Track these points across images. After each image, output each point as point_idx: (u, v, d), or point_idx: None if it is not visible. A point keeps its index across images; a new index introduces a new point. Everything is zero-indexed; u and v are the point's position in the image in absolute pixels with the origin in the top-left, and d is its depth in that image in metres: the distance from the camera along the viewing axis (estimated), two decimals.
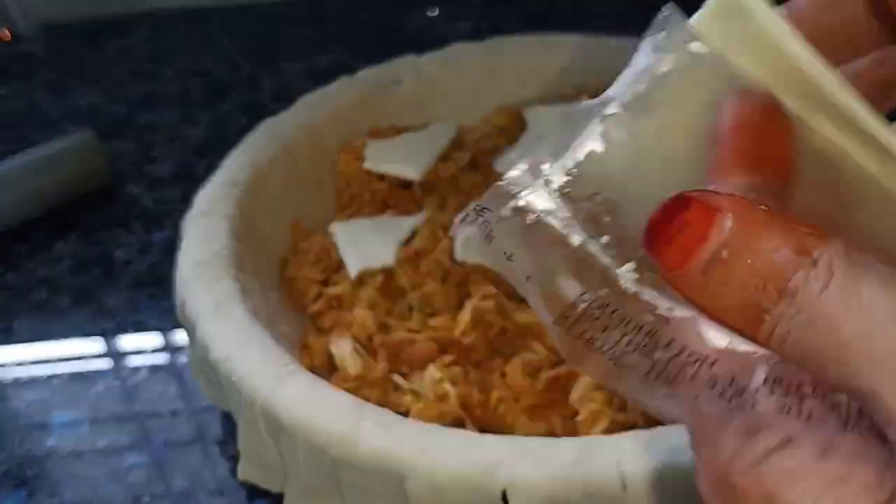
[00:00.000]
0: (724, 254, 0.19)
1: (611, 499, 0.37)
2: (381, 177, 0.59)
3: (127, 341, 0.56)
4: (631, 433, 0.40)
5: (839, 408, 0.20)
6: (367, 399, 0.45)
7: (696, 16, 0.22)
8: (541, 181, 0.22)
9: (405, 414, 0.43)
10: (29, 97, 0.80)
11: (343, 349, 0.48)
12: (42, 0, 0.88)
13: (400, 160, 0.58)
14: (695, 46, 0.22)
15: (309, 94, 0.62)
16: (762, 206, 0.19)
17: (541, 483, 0.37)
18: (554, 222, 0.22)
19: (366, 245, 0.53)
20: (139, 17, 0.91)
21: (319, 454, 0.40)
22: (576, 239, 0.22)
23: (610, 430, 0.42)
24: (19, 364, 0.55)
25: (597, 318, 0.21)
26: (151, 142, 0.74)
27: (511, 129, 0.62)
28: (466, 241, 0.28)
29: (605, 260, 0.22)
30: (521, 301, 0.50)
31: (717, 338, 0.21)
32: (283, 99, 0.77)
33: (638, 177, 0.23)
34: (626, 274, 0.21)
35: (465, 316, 0.47)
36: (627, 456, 0.38)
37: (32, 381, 0.54)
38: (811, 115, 0.22)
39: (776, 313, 0.19)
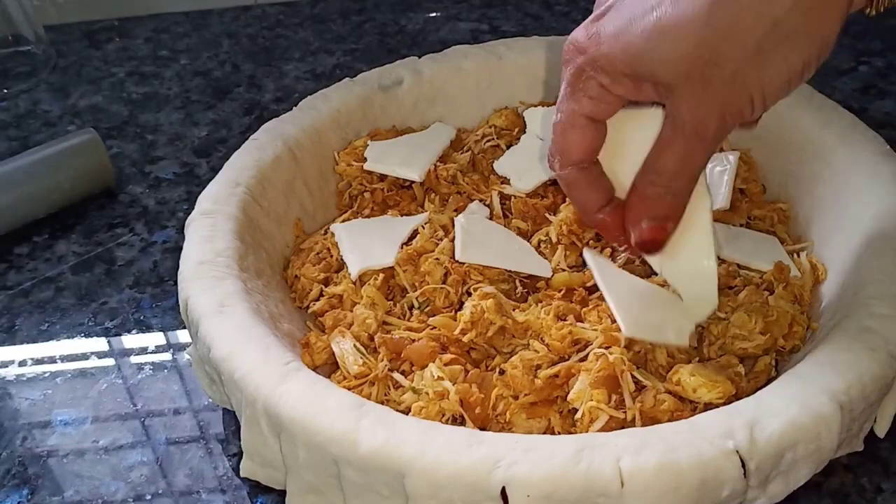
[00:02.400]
0: None
1: (609, 495, 0.37)
2: (382, 177, 0.59)
3: (129, 340, 0.56)
4: (629, 430, 0.40)
5: None
6: (368, 397, 0.45)
7: None
8: None
9: (405, 412, 0.44)
10: (30, 98, 0.80)
11: (344, 348, 0.48)
12: (43, 1, 0.89)
13: (400, 161, 0.59)
14: None
15: (310, 96, 0.62)
16: None
17: (540, 480, 0.37)
18: None
19: (367, 245, 0.53)
20: (140, 18, 0.91)
21: (320, 452, 0.40)
22: None
23: (608, 428, 0.42)
24: (21, 363, 0.55)
25: None
26: (153, 142, 0.74)
27: (510, 130, 0.62)
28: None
29: None
30: (521, 300, 0.51)
31: None
32: (285, 100, 0.78)
33: None
34: None
35: (465, 315, 0.47)
36: (625, 453, 0.38)
37: (35, 380, 0.54)
38: None
39: None
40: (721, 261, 0.52)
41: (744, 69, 0.37)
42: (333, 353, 0.49)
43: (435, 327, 0.48)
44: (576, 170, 0.43)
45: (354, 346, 0.48)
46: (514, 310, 0.49)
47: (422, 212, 0.57)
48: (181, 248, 0.50)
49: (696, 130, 0.39)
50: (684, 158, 0.40)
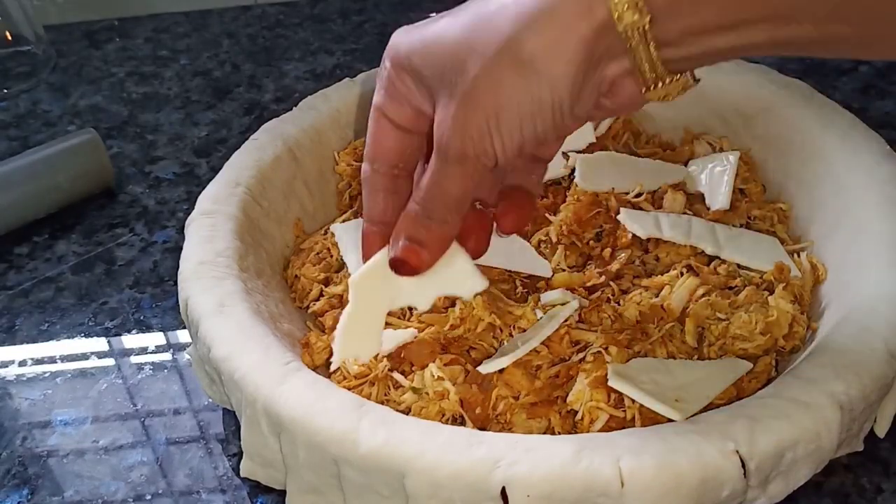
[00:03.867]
0: None
1: (609, 495, 0.37)
2: None
3: (129, 340, 0.56)
4: (629, 430, 0.40)
5: None
6: (368, 397, 0.45)
7: None
8: None
9: (405, 412, 0.44)
10: (30, 98, 0.80)
11: None
12: (43, 1, 0.89)
13: None
14: None
15: (310, 96, 0.62)
16: None
17: (540, 480, 0.37)
18: None
19: None
20: (140, 18, 0.91)
21: (320, 452, 0.40)
22: None
23: (608, 428, 0.42)
24: (21, 363, 0.55)
25: None
26: (153, 142, 0.74)
27: None
28: None
29: None
30: (521, 300, 0.51)
31: None
32: (284, 100, 0.78)
33: None
34: None
35: (455, 311, 0.47)
36: (625, 453, 0.38)
37: (35, 380, 0.54)
38: None
39: None
40: (721, 261, 0.52)
41: (479, 86, 0.36)
42: (333, 353, 0.48)
43: (432, 325, 0.48)
44: (370, 166, 0.43)
45: None
46: (511, 307, 0.49)
47: None
48: (181, 248, 0.50)
49: (441, 147, 0.38)
50: (434, 177, 0.39)
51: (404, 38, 0.39)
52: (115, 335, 0.57)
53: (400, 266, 0.43)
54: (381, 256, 0.44)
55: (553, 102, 0.36)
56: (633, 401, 0.43)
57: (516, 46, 0.35)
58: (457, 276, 0.45)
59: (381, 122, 0.42)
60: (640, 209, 0.54)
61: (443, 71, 0.37)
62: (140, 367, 0.54)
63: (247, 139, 0.58)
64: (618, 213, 0.53)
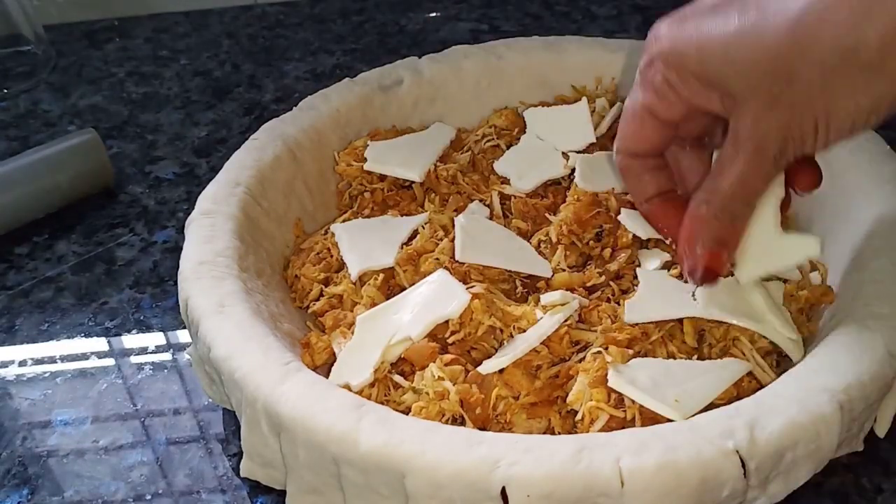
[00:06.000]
0: None
1: (609, 495, 0.37)
2: (382, 177, 0.59)
3: (129, 340, 0.56)
4: (629, 430, 0.40)
5: None
6: (368, 397, 0.45)
7: None
8: None
9: (406, 412, 0.44)
10: (30, 98, 0.80)
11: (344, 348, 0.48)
12: (43, 1, 0.89)
13: (400, 161, 0.59)
14: None
15: (310, 96, 0.62)
16: None
17: (540, 480, 0.37)
18: None
19: (367, 245, 0.53)
20: (140, 18, 0.91)
21: (320, 452, 0.40)
22: None
23: (608, 428, 0.42)
24: (22, 363, 0.55)
25: None
26: (153, 142, 0.74)
27: (510, 130, 0.62)
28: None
29: None
30: (521, 300, 0.51)
31: None
32: (285, 100, 0.78)
33: None
34: None
35: (454, 318, 0.47)
36: (625, 453, 0.38)
37: (35, 380, 0.54)
38: None
39: None
40: None
41: (813, 93, 0.35)
42: (333, 353, 0.49)
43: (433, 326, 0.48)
44: (628, 157, 0.43)
45: None
46: (509, 307, 0.49)
47: (422, 212, 0.57)
48: (181, 248, 0.50)
49: (757, 149, 0.38)
50: (742, 178, 0.39)
51: (689, 43, 0.38)
52: (115, 335, 0.57)
53: (708, 276, 0.42)
54: (392, 302, 0.48)
55: (893, 101, 0.35)
56: (633, 401, 0.43)
57: (858, 55, 0.34)
58: (446, 297, 0.47)
59: (646, 121, 0.42)
60: None
61: (759, 80, 0.36)
62: (140, 367, 0.54)
63: (247, 139, 0.58)
64: (618, 213, 0.53)
